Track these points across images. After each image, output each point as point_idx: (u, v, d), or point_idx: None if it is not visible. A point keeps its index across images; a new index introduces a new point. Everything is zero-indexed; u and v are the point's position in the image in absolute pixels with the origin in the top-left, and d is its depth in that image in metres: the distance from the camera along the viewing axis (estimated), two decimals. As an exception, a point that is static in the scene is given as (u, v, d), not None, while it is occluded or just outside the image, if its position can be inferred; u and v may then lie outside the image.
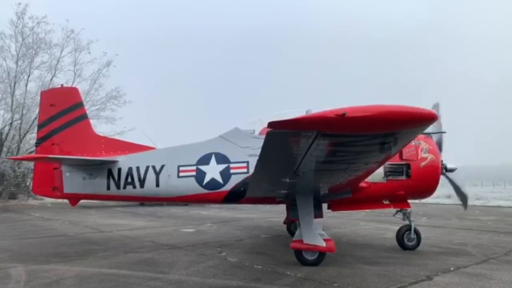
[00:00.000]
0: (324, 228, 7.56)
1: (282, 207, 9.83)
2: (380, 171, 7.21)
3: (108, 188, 8.56)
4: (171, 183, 8.15)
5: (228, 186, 7.82)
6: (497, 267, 6.59)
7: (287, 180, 5.73)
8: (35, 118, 24.23)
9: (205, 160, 8.02)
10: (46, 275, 6.05)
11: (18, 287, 5.44)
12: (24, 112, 26.48)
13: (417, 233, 8.16)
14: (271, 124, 4.01)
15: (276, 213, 15.79)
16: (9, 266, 6.73)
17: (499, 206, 22.05)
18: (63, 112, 9.32)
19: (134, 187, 8.39)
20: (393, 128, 3.86)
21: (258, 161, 5.13)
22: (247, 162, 7.76)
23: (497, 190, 45.19)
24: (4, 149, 26.70)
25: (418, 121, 3.80)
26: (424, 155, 7.55)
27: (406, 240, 8.12)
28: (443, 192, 18.84)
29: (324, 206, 8.03)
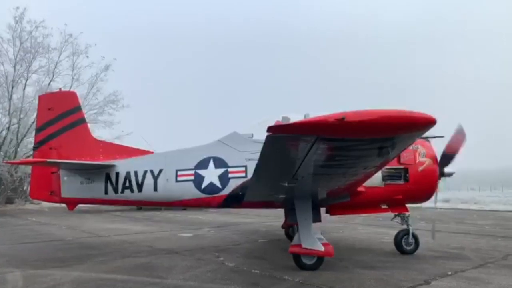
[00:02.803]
0: (322, 232, 7.56)
1: (281, 212, 9.82)
2: (378, 175, 7.23)
3: (106, 192, 8.54)
4: (169, 187, 8.14)
5: (227, 191, 7.81)
6: (495, 271, 6.60)
7: (286, 184, 5.74)
8: (33, 122, 24.18)
9: (203, 164, 8.02)
10: (43, 280, 6.01)
11: (15, 292, 5.42)
12: (21, 116, 26.38)
13: (415, 237, 8.16)
14: (270, 129, 4.02)
15: (274, 218, 15.75)
16: (6, 271, 6.69)
17: (496, 210, 22.07)
18: (61, 116, 9.30)
19: (132, 191, 8.37)
20: (392, 132, 3.88)
21: (257, 165, 5.13)
22: (246, 166, 7.76)
23: (495, 194, 45.26)
24: (2, 153, 26.57)
25: (417, 125, 3.83)
26: (422, 160, 7.57)
27: (404, 244, 8.11)
28: (441, 197, 18.86)
29: (323, 210, 8.03)
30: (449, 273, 6.41)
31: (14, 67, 26.44)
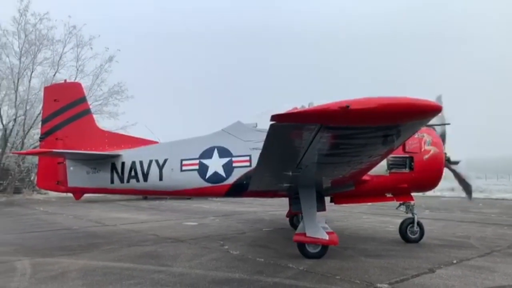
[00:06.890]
0: (327, 221, 7.57)
1: (285, 201, 9.85)
2: (383, 164, 7.20)
3: (112, 182, 8.60)
4: (174, 176, 8.18)
5: (231, 180, 7.84)
6: (500, 260, 6.59)
7: (290, 173, 5.73)
8: (39, 114, 24.31)
9: (207, 153, 8.04)
10: (51, 268, 6.10)
11: (23, 280, 5.50)
12: (27, 108, 26.56)
13: (420, 226, 8.15)
14: (274, 117, 4.00)
15: (279, 206, 15.81)
16: (14, 259, 6.79)
17: (503, 199, 21.97)
18: (66, 107, 9.35)
19: (138, 181, 8.42)
20: (397, 120, 3.84)
21: (261, 154, 5.12)
22: (250, 156, 7.76)
23: (501, 183, 45.00)
24: (9, 144, 26.83)
25: (422, 113, 3.77)
26: (427, 148, 7.53)
27: (409, 233, 8.12)
28: (446, 185, 18.80)
29: (327, 199, 8.03)
30: (454, 261, 6.41)
31: (20, 59, 26.51)
